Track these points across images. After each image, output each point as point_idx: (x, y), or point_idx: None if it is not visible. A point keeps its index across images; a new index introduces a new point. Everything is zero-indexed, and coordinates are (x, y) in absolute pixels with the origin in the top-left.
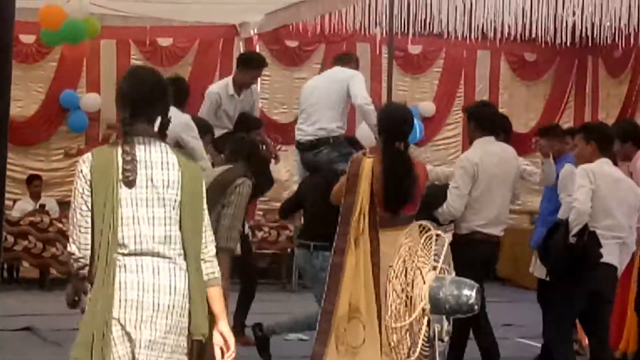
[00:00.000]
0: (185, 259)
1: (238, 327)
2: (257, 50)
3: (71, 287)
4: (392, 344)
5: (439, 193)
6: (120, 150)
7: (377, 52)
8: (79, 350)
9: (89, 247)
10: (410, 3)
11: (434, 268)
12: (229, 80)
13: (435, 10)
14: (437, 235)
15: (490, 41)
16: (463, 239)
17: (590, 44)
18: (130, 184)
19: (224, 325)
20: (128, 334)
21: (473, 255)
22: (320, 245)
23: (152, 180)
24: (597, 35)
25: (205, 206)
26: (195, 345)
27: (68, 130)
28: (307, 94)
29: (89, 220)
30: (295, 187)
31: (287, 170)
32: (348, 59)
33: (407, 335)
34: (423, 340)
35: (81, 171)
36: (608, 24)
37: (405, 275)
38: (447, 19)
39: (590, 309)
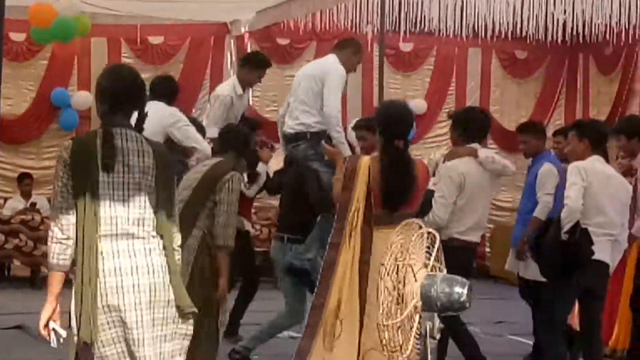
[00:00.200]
0: (157, 239)
1: (233, 326)
2: (249, 48)
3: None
4: (384, 341)
5: (428, 200)
6: (99, 138)
7: (369, 50)
8: (85, 333)
9: (71, 228)
10: (402, 1)
11: (426, 265)
12: (234, 80)
13: (426, 8)
14: (429, 232)
15: (481, 39)
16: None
17: (581, 42)
18: (108, 169)
19: None
20: (117, 318)
21: (451, 262)
22: (293, 237)
23: (128, 166)
24: (588, 33)
25: (175, 192)
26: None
27: (59, 128)
28: (295, 86)
29: (71, 202)
30: None
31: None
32: (344, 45)
33: (399, 332)
34: (415, 337)
35: (61, 157)
36: (599, 21)
37: (397, 273)
38: (439, 16)
39: (582, 306)
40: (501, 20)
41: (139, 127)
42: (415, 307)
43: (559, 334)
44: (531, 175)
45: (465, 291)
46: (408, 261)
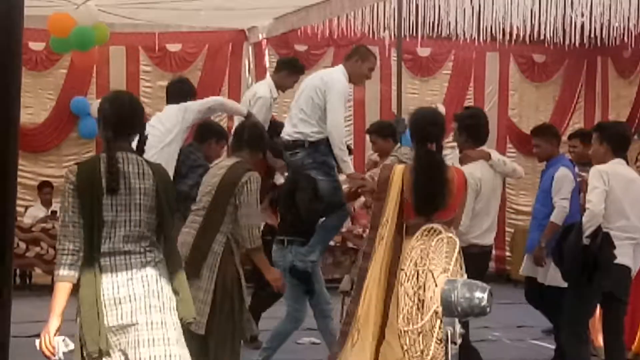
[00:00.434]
0: (153, 253)
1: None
2: (266, 54)
3: None
4: (405, 347)
5: None
6: (103, 163)
7: (386, 55)
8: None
9: (80, 243)
10: (419, 6)
11: (445, 271)
12: (269, 83)
13: (443, 13)
14: (449, 237)
15: (499, 43)
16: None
17: (599, 45)
18: (112, 191)
19: None
20: (117, 326)
21: (469, 268)
22: (292, 240)
23: (130, 189)
24: (606, 35)
25: (174, 209)
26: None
27: (78, 136)
28: (299, 93)
29: (79, 219)
30: None
31: None
32: (350, 54)
33: (420, 338)
34: (435, 343)
35: (69, 178)
36: (617, 24)
37: (417, 279)
38: (456, 21)
39: (605, 311)
40: (519, 24)
41: (140, 150)
42: (436, 313)
43: (581, 338)
44: (545, 180)
45: (485, 296)
46: (428, 266)
